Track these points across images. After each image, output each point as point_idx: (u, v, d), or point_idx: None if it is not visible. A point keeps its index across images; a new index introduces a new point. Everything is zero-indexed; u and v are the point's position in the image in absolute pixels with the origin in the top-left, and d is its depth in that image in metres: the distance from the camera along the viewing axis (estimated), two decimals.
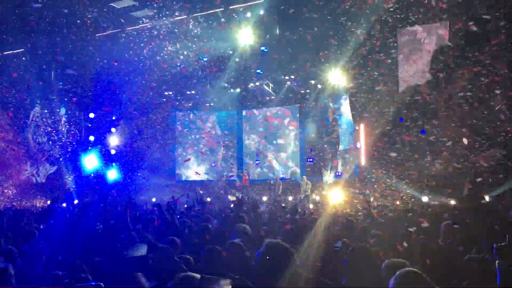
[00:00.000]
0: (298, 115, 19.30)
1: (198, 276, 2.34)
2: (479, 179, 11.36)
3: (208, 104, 19.17)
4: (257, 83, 17.82)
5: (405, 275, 2.05)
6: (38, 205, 14.56)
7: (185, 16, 14.75)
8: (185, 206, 11.17)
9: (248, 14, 14.53)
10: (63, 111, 17.20)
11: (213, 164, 20.51)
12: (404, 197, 13.23)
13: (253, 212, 6.63)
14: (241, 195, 13.80)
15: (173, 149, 20.64)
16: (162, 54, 16.00)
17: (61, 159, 17.12)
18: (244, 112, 20.34)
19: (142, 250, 3.66)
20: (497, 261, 2.51)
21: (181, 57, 16.14)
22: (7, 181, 16.40)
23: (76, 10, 13.70)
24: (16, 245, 4.45)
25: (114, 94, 17.10)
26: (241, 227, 4.57)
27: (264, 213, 9.00)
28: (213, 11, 14.73)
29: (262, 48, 15.42)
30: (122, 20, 14.93)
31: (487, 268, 2.75)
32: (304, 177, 16.60)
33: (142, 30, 15.58)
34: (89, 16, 14.22)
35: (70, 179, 16.69)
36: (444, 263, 3.85)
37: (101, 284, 2.90)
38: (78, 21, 14.27)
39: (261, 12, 14.28)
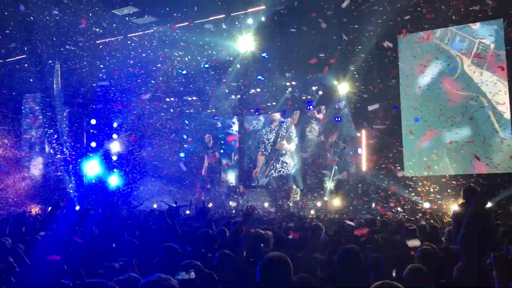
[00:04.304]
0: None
1: None
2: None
3: (209, 110, 19.09)
4: (258, 89, 17.79)
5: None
6: (39, 211, 14.51)
7: (187, 23, 14.80)
8: (187, 212, 11.17)
9: (250, 21, 14.57)
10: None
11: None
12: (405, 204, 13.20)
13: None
14: (247, 206, 13.37)
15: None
16: (160, 60, 16.07)
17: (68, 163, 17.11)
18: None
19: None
20: (494, 270, 2.48)
21: (183, 62, 16.21)
22: (8, 187, 16.41)
23: (78, 17, 13.79)
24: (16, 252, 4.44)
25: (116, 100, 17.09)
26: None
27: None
28: (214, 17, 14.78)
29: (263, 54, 15.44)
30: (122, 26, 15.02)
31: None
32: (294, 185, 16.59)
33: (143, 36, 15.66)
34: (91, 23, 14.30)
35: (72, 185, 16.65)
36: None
37: None
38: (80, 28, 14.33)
39: (263, 18, 14.33)
